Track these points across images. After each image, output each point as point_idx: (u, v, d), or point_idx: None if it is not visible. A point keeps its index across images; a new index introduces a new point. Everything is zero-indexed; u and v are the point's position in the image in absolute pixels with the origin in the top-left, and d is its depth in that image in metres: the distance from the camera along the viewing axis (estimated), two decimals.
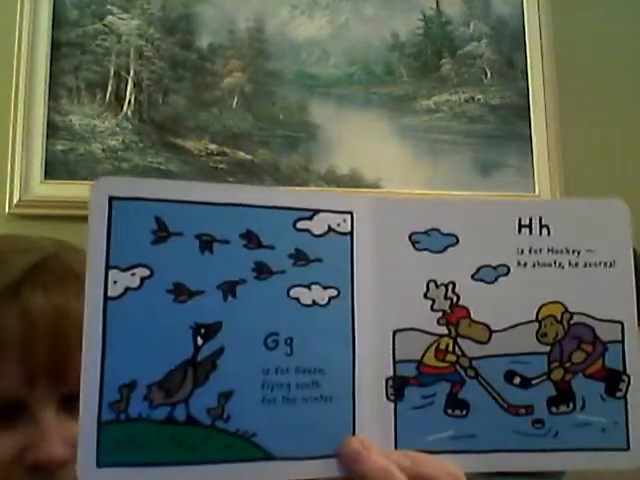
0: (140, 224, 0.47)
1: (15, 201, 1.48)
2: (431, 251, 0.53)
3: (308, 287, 0.50)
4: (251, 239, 0.49)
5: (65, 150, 1.52)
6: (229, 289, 0.48)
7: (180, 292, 0.47)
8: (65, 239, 0.75)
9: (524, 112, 1.72)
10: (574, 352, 0.53)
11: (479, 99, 1.73)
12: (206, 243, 0.48)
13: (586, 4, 1.79)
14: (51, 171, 1.50)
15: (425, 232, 0.53)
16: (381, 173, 1.64)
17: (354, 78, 1.69)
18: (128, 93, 1.57)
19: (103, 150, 1.55)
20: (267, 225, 0.50)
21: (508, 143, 1.71)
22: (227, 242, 0.49)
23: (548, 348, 0.52)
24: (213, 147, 1.59)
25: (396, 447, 0.50)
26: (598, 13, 1.79)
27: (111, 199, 0.47)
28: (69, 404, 0.64)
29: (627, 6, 1.82)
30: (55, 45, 1.55)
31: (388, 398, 0.51)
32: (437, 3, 1.75)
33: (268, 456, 0.48)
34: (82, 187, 1.47)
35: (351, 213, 0.52)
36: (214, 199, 0.49)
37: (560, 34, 1.74)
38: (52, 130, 1.52)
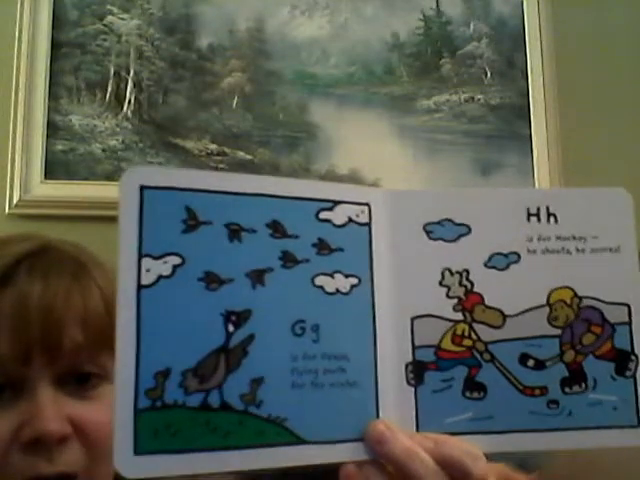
0: (171, 213, 0.48)
1: (15, 201, 1.48)
2: (445, 240, 0.54)
3: (331, 275, 0.51)
4: (277, 228, 0.51)
5: (65, 150, 1.52)
6: (257, 277, 0.49)
7: (211, 280, 0.48)
8: (65, 239, 0.76)
9: (524, 112, 1.72)
10: (584, 334, 0.55)
11: (479, 99, 1.73)
12: (234, 232, 0.49)
13: (586, 4, 1.80)
14: (51, 171, 1.50)
15: (438, 222, 0.55)
16: (381, 173, 1.64)
17: (354, 78, 1.70)
18: (128, 93, 1.57)
19: (103, 150, 1.54)
20: (291, 215, 0.51)
21: (508, 143, 1.71)
22: (254, 231, 0.50)
23: (559, 331, 0.54)
24: (213, 147, 1.59)
25: (417, 430, 0.52)
26: (598, 13, 1.80)
27: (142, 188, 0.48)
28: (65, 384, 0.66)
29: (627, 6, 1.82)
30: (55, 45, 1.54)
31: (408, 383, 0.52)
32: (437, 3, 1.76)
33: (300, 440, 0.49)
34: (82, 187, 1.48)
35: (368, 205, 0.54)
36: (241, 189, 0.50)
37: (560, 34, 1.74)
38: (52, 130, 1.52)
